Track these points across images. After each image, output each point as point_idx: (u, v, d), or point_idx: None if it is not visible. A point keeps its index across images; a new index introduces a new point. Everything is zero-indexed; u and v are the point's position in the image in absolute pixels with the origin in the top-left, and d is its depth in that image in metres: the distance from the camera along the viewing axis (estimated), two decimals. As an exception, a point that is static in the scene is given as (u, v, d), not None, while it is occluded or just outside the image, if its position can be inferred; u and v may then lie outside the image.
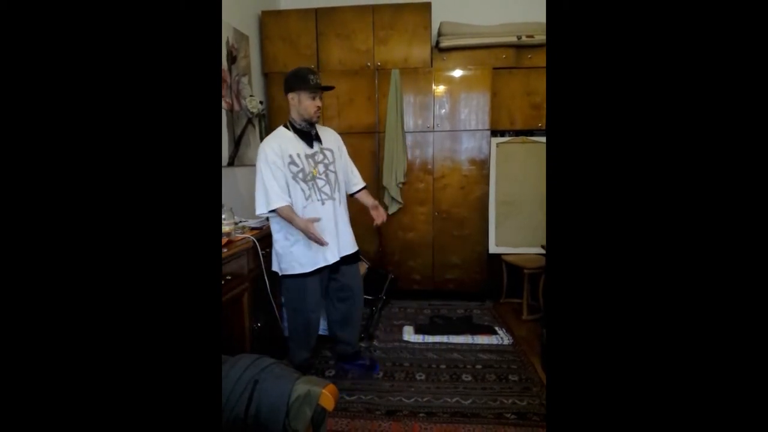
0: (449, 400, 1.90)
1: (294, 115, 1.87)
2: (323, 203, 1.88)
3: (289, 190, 1.83)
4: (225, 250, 1.69)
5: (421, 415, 1.79)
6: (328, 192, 1.90)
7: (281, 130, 1.90)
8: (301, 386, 1.08)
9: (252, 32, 2.98)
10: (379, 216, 2.01)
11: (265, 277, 2.03)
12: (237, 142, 2.69)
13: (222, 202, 1.69)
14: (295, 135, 1.87)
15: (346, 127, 3.02)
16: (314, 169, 1.86)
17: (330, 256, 1.91)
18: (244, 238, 1.87)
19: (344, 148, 2.05)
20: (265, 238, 2.05)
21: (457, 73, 3.01)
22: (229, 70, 2.60)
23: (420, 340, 2.51)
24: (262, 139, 3.02)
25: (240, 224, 2.03)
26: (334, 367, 2.23)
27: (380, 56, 3.02)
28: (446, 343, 2.47)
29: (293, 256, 1.89)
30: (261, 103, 2.91)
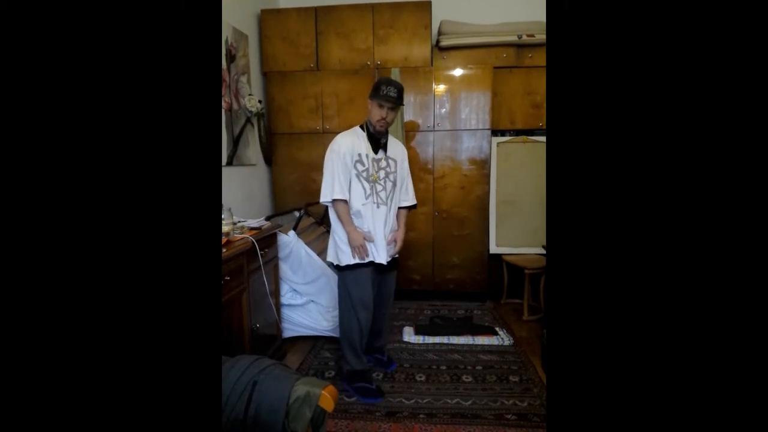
0: (449, 401, 1.90)
1: (370, 119, 1.95)
2: (378, 206, 1.95)
3: (350, 186, 1.90)
4: (224, 250, 1.68)
5: (421, 416, 1.79)
6: (384, 198, 1.96)
7: (357, 128, 2.00)
8: (301, 387, 1.07)
9: (251, 31, 2.98)
10: (395, 247, 2.05)
11: (264, 278, 2.03)
12: (236, 142, 2.68)
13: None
14: (368, 137, 1.95)
15: (346, 127, 2.95)
16: (375, 173, 1.93)
17: (380, 257, 1.96)
18: (243, 238, 1.86)
19: (407, 164, 2.10)
20: (264, 238, 2.04)
21: (458, 72, 3.00)
22: (228, 69, 2.60)
23: (420, 341, 2.50)
24: (260, 138, 3.02)
25: (239, 224, 2.02)
26: (334, 368, 2.22)
27: (380, 55, 3.02)
28: (446, 344, 2.46)
29: (348, 247, 1.93)
30: (260, 102, 2.91)
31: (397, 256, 2.09)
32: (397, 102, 1.87)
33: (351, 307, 1.96)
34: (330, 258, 2.05)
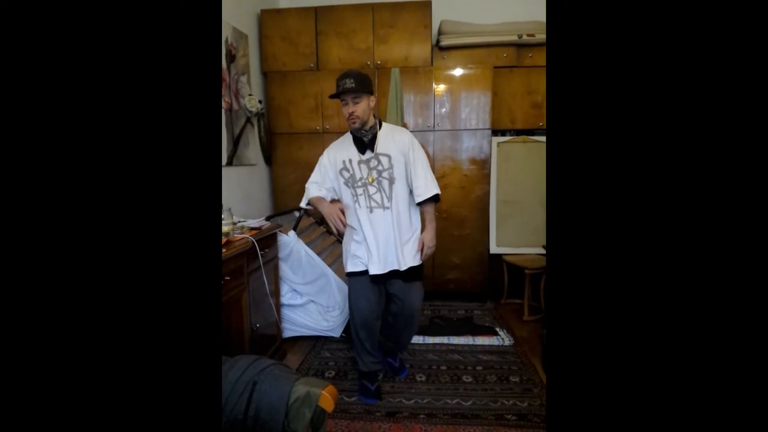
0: (450, 401, 1.89)
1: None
2: (371, 211, 1.81)
3: (341, 192, 1.89)
4: (224, 250, 1.68)
5: (421, 416, 1.78)
6: (379, 200, 1.80)
7: (347, 134, 1.90)
8: (301, 387, 1.07)
9: (251, 31, 2.98)
10: (422, 253, 1.87)
11: (264, 278, 2.03)
12: (236, 142, 2.68)
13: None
14: (354, 140, 1.85)
15: (346, 127, 3.00)
16: (370, 176, 1.80)
17: (373, 266, 1.82)
18: (243, 239, 1.86)
19: (413, 153, 1.82)
20: (264, 238, 2.04)
21: (458, 72, 3.00)
22: (228, 69, 2.59)
23: (420, 341, 2.50)
24: (260, 138, 3.03)
25: (239, 224, 2.02)
26: (334, 368, 2.22)
27: (380, 55, 3.02)
28: (447, 344, 2.46)
29: (348, 254, 1.93)
30: (260, 102, 2.91)
31: (419, 263, 1.88)
32: (355, 89, 1.68)
33: (351, 312, 1.97)
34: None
